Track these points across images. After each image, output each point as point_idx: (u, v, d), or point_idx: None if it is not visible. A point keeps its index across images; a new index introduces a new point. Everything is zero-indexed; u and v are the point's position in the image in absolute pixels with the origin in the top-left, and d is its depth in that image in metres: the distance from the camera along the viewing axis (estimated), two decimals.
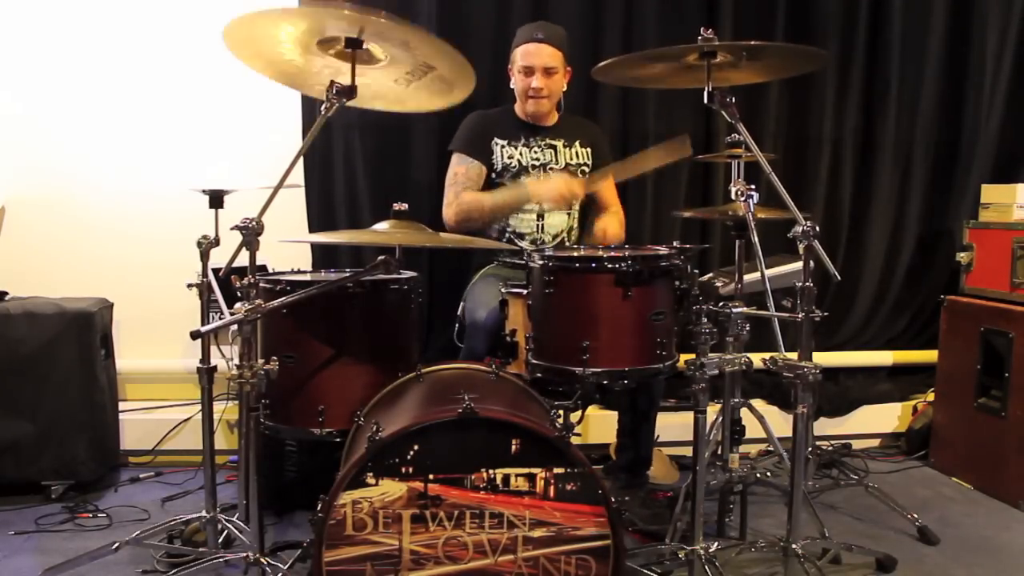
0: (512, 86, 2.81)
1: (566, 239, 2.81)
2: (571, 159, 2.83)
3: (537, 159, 2.78)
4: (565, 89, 2.81)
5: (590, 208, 2.89)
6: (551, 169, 2.79)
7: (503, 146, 2.78)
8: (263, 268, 2.49)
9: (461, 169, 2.77)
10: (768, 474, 2.79)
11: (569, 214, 2.81)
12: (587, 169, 2.85)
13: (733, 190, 2.02)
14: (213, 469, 2.28)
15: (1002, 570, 2.37)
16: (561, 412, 2.06)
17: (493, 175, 2.78)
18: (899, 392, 3.49)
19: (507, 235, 2.78)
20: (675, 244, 2.12)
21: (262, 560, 1.89)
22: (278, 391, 2.00)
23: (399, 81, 2.03)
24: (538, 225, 2.76)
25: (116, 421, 3.04)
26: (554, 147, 2.81)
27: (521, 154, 2.78)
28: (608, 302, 1.97)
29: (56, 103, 3.14)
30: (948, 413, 3.15)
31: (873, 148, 3.48)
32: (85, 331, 2.78)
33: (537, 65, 2.70)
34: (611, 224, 2.81)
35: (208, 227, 2.25)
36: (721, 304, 2.06)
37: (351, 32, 1.83)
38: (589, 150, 2.86)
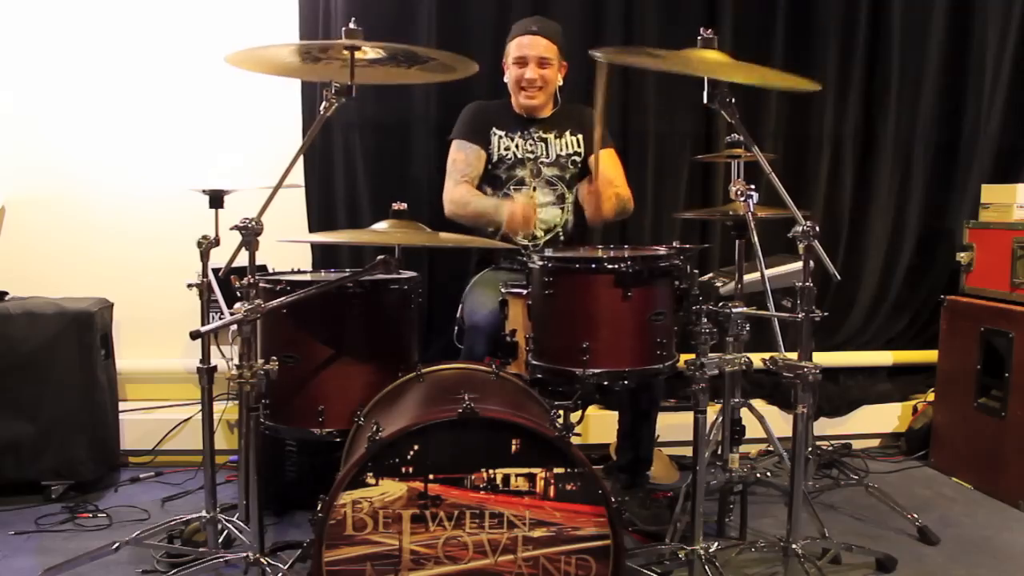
0: (506, 80, 2.81)
1: (560, 233, 2.80)
2: (561, 150, 2.82)
3: (531, 152, 2.78)
4: (560, 84, 2.80)
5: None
6: (541, 162, 2.79)
7: (501, 136, 2.78)
8: (263, 268, 2.49)
9: (460, 155, 2.77)
10: (768, 474, 2.79)
11: (563, 208, 2.81)
12: (578, 159, 2.83)
13: (733, 190, 2.02)
14: (213, 469, 2.28)
15: (1002, 570, 2.37)
16: (561, 412, 2.06)
17: (490, 165, 2.78)
18: (899, 392, 3.49)
19: (501, 232, 2.78)
20: (675, 244, 2.11)
21: (262, 560, 1.89)
22: (278, 391, 2.01)
23: (401, 66, 2.04)
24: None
25: (116, 421, 3.04)
26: (545, 140, 2.81)
27: (517, 146, 2.78)
28: (608, 302, 1.97)
29: (56, 103, 3.14)
30: (948, 413, 3.15)
31: (873, 148, 3.48)
32: (85, 331, 2.78)
33: (531, 55, 2.70)
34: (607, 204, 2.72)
35: (208, 227, 2.25)
36: (721, 304, 2.06)
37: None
38: (580, 137, 2.84)
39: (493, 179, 2.79)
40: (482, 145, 2.77)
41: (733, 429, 2.32)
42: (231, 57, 1.87)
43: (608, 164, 2.82)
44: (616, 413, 2.79)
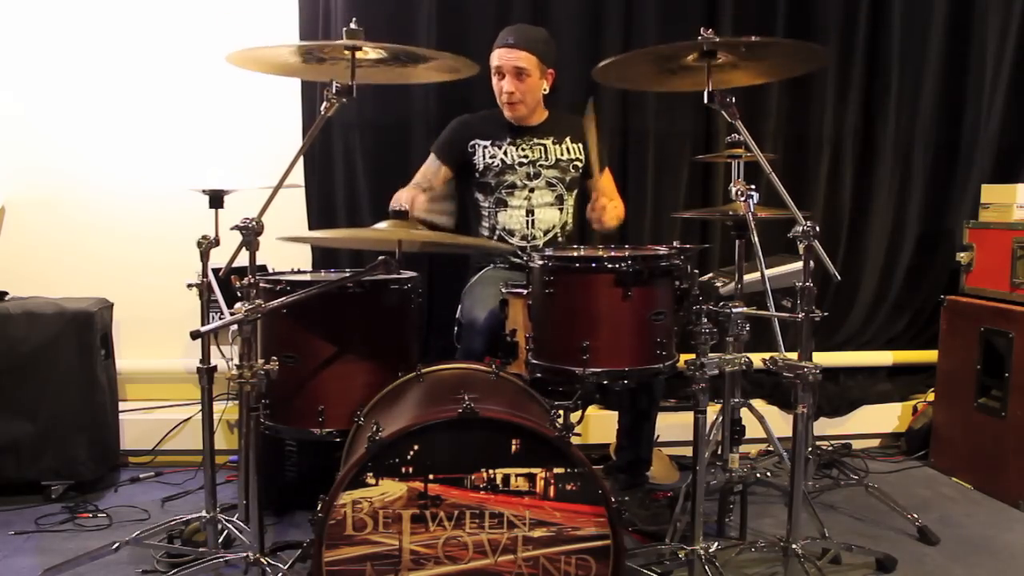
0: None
1: (558, 235, 2.81)
2: (562, 155, 2.83)
3: (526, 156, 2.79)
4: (547, 91, 2.79)
5: (581, 205, 2.90)
6: (541, 166, 2.80)
7: (486, 147, 2.78)
8: (263, 268, 2.49)
9: (423, 168, 2.83)
10: (768, 474, 2.79)
11: (561, 209, 2.82)
12: (580, 164, 2.84)
13: (733, 190, 2.02)
14: (213, 469, 2.28)
15: (1002, 570, 2.37)
16: (561, 412, 2.06)
17: (477, 174, 2.79)
18: (899, 392, 3.49)
19: (497, 233, 2.78)
20: (675, 244, 2.12)
21: (262, 560, 1.89)
22: (278, 391, 2.01)
23: (407, 65, 2.03)
24: (528, 221, 2.77)
25: (116, 421, 3.04)
26: (543, 145, 2.81)
27: (507, 153, 2.78)
28: (608, 302, 1.97)
29: (56, 103, 3.14)
30: (948, 413, 3.15)
31: (873, 148, 3.48)
32: (85, 331, 2.78)
33: (506, 68, 2.70)
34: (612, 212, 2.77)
35: (208, 227, 2.25)
36: (721, 304, 2.06)
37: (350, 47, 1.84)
38: (580, 146, 2.85)
39: (483, 186, 2.80)
40: (449, 162, 2.79)
41: (733, 429, 2.32)
42: (231, 56, 1.87)
43: (606, 185, 2.88)
44: (616, 413, 2.80)
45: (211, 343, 2.28)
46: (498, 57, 2.71)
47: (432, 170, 2.80)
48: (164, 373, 3.23)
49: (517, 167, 2.78)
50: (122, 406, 3.10)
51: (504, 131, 2.80)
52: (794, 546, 1.98)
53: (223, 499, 2.55)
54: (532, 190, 2.78)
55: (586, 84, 3.13)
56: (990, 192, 3.16)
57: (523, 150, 2.79)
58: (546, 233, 2.80)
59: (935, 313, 3.25)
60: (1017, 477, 2.81)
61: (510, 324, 2.18)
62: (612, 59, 2.11)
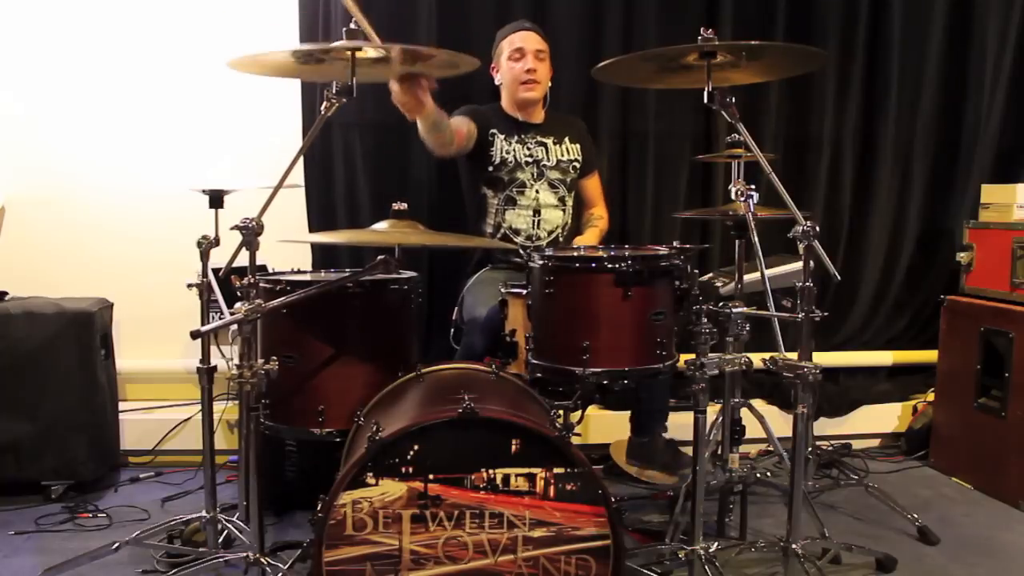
0: (497, 83, 2.82)
1: (560, 235, 2.82)
2: (562, 155, 2.85)
3: (531, 155, 2.80)
4: (549, 85, 2.84)
5: (579, 205, 2.93)
6: (544, 166, 2.80)
7: (502, 139, 2.80)
8: (263, 268, 2.49)
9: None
10: (768, 474, 2.79)
11: (564, 210, 2.83)
12: (578, 165, 2.88)
13: (733, 190, 2.02)
14: (213, 469, 2.28)
15: (1002, 570, 2.37)
16: (561, 412, 2.06)
17: (491, 167, 2.79)
18: (899, 392, 3.49)
19: (502, 231, 2.79)
20: (675, 244, 2.12)
21: (262, 560, 1.89)
22: (278, 391, 2.00)
23: (404, 63, 2.03)
24: (534, 221, 2.78)
25: (116, 421, 3.04)
26: (544, 144, 2.83)
27: (515, 150, 2.79)
28: (608, 302, 1.97)
29: (56, 103, 3.14)
30: (948, 413, 3.15)
31: (873, 148, 3.48)
32: (85, 331, 2.78)
33: (529, 48, 2.74)
34: (588, 239, 2.85)
35: (208, 227, 2.25)
36: (721, 304, 2.06)
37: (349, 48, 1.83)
38: (578, 146, 2.89)
39: (495, 181, 2.80)
40: (478, 125, 2.75)
41: (733, 429, 2.32)
42: (234, 63, 1.87)
43: (592, 190, 2.95)
44: (616, 413, 2.80)
45: (211, 343, 2.27)
46: (520, 39, 2.76)
47: (463, 123, 2.68)
48: (164, 373, 3.23)
49: (525, 165, 2.79)
50: (122, 406, 3.10)
51: (511, 127, 2.82)
52: (794, 546, 1.97)
53: (223, 499, 2.56)
54: (538, 190, 2.80)
55: (586, 84, 3.14)
56: (990, 192, 3.16)
57: (528, 148, 2.80)
58: (550, 234, 2.81)
59: (935, 313, 3.25)
60: (1017, 477, 2.81)
61: (510, 324, 2.18)
62: (611, 60, 2.11)
